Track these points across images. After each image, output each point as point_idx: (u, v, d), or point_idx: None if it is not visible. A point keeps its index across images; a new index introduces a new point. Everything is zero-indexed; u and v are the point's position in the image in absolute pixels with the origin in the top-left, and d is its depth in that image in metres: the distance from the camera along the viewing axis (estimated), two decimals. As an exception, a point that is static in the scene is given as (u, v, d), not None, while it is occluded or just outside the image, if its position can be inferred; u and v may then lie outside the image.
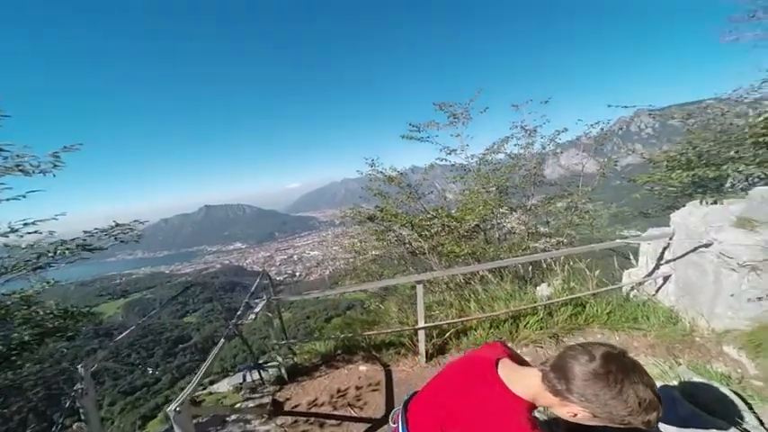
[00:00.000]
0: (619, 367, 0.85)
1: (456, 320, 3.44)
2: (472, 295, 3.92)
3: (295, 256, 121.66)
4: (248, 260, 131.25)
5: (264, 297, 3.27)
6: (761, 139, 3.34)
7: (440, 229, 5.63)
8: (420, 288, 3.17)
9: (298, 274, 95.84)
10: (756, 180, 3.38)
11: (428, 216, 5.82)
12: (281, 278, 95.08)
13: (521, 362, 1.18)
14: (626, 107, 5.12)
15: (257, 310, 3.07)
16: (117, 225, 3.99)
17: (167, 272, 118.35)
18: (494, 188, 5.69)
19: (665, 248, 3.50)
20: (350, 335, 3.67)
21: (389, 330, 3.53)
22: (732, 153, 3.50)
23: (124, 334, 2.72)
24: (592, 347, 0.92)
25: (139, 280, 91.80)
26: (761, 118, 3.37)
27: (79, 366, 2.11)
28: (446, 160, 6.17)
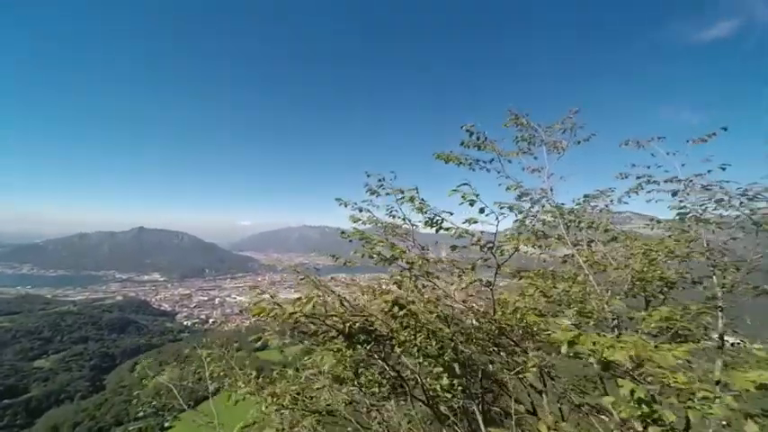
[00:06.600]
0: None
1: None
2: None
3: (217, 299, 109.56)
4: (160, 296, 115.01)
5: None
6: None
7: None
8: None
9: (212, 320, 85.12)
10: None
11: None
12: (190, 323, 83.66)
13: None
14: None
15: None
16: None
17: (49, 296, 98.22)
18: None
19: None
20: None
21: None
22: None
23: None
24: None
25: (3, 302, 73.75)
26: None
27: None
28: (499, 212, 2.84)
